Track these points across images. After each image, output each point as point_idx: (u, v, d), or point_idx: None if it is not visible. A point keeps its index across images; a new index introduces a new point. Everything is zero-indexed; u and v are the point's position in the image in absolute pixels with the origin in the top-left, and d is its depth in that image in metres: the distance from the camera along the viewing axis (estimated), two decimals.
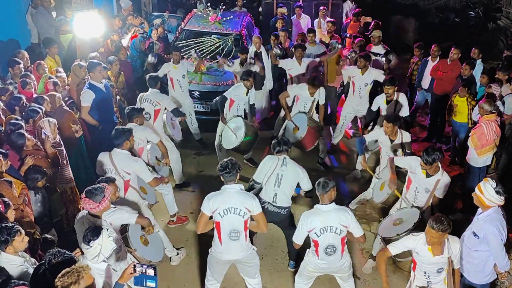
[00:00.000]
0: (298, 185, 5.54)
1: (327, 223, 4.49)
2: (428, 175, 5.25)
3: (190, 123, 8.38)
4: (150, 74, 7.34)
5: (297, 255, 5.86)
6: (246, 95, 7.36)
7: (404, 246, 4.38)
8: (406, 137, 6.24)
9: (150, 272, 3.72)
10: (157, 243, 5.30)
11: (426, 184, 5.29)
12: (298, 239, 4.70)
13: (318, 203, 4.63)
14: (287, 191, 5.47)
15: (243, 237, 4.63)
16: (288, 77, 8.67)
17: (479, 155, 6.31)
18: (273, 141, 5.68)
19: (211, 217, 4.63)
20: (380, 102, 7.21)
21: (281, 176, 5.41)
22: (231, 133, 7.13)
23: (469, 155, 6.54)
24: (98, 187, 4.38)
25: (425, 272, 4.37)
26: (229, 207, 4.52)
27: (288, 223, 5.73)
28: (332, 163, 8.29)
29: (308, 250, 4.84)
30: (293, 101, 7.72)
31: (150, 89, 7.08)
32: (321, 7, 11.56)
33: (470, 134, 6.36)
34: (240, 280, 5.30)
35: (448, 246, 4.21)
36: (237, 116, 7.31)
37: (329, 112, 9.55)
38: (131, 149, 5.53)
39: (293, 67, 8.43)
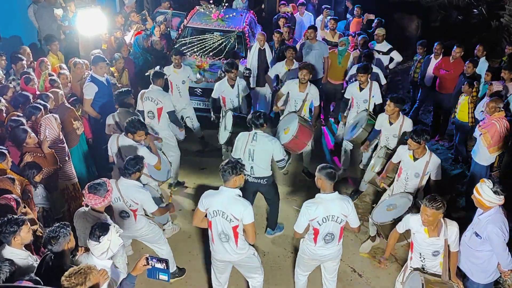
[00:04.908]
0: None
1: (329, 212, 4.49)
2: (415, 159, 5.38)
3: (191, 126, 8.18)
4: (155, 70, 7.16)
5: (276, 224, 6.35)
6: (233, 87, 7.27)
7: (407, 225, 4.58)
8: (407, 124, 6.25)
9: (162, 265, 3.77)
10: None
11: (415, 168, 5.40)
12: (299, 228, 4.65)
13: (320, 192, 4.61)
14: (261, 163, 5.74)
15: (233, 241, 4.57)
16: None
17: (491, 152, 6.27)
18: (248, 116, 5.87)
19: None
20: (353, 90, 7.24)
21: (253, 151, 5.68)
22: (223, 127, 7.02)
23: (477, 153, 6.46)
24: (100, 182, 4.41)
25: (420, 254, 4.47)
26: (218, 210, 4.47)
27: (273, 192, 6.12)
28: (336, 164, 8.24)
29: (304, 238, 4.82)
30: (287, 102, 7.46)
31: (151, 85, 6.87)
32: (324, 6, 11.61)
33: (480, 133, 6.28)
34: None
35: (445, 229, 4.32)
36: (228, 110, 7.15)
37: (331, 109, 9.60)
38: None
39: (281, 71, 8.32)
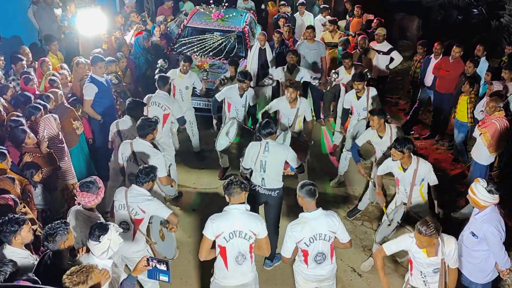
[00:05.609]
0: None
1: (316, 231, 4.26)
2: (404, 170, 5.29)
3: (191, 134, 7.97)
4: (160, 74, 6.89)
5: (275, 254, 5.85)
6: (241, 97, 7.05)
7: (400, 246, 4.37)
8: (394, 130, 6.10)
9: (163, 266, 3.78)
10: (171, 240, 5.25)
11: (406, 178, 5.32)
12: (286, 252, 4.39)
13: (303, 211, 4.37)
14: (274, 175, 5.47)
15: (249, 260, 4.34)
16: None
17: (491, 152, 6.27)
18: (257, 125, 5.57)
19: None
20: (350, 98, 7.05)
21: (265, 162, 5.40)
22: (224, 135, 6.81)
23: (476, 153, 6.44)
24: (91, 180, 4.41)
25: (421, 272, 4.35)
26: (235, 231, 4.19)
27: (277, 211, 5.70)
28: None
29: (295, 260, 4.60)
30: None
31: (158, 90, 6.66)
32: (322, 6, 11.62)
33: (480, 133, 6.27)
34: None
35: (442, 247, 4.16)
36: (233, 118, 6.95)
37: (331, 110, 9.60)
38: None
39: (282, 77, 8.09)
